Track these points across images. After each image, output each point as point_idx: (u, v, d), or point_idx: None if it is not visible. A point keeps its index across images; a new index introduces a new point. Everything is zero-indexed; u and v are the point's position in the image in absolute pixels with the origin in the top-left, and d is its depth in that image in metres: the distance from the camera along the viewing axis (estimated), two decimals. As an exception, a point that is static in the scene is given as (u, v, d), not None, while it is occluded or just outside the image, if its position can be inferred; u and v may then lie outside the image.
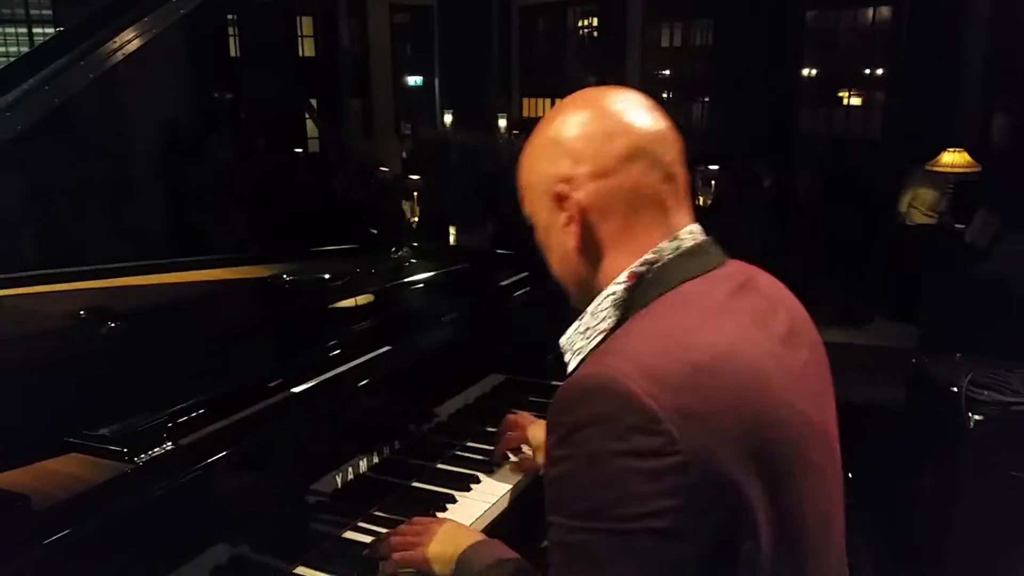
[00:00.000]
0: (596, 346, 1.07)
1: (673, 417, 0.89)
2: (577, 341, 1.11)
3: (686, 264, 1.06)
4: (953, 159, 6.62)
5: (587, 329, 1.09)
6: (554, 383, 2.23)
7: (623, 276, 1.06)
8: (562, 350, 1.13)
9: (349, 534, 1.54)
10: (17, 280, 2.06)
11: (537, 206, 1.14)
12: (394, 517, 1.56)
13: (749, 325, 1.03)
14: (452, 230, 6.44)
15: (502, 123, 12.36)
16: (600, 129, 1.07)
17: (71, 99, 1.61)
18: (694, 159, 8.50)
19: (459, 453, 1.86)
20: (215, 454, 1.31)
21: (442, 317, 2.02)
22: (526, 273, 2.31)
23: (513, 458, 1.81)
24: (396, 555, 1.40)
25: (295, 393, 1.53)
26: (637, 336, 1.00)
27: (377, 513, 1.61)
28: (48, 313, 1.86)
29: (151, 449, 1.25)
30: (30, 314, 1.89)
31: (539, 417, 1.80)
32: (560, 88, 17.31)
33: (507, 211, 6.62)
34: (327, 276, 2.16)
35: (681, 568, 0.92)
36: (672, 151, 1.09)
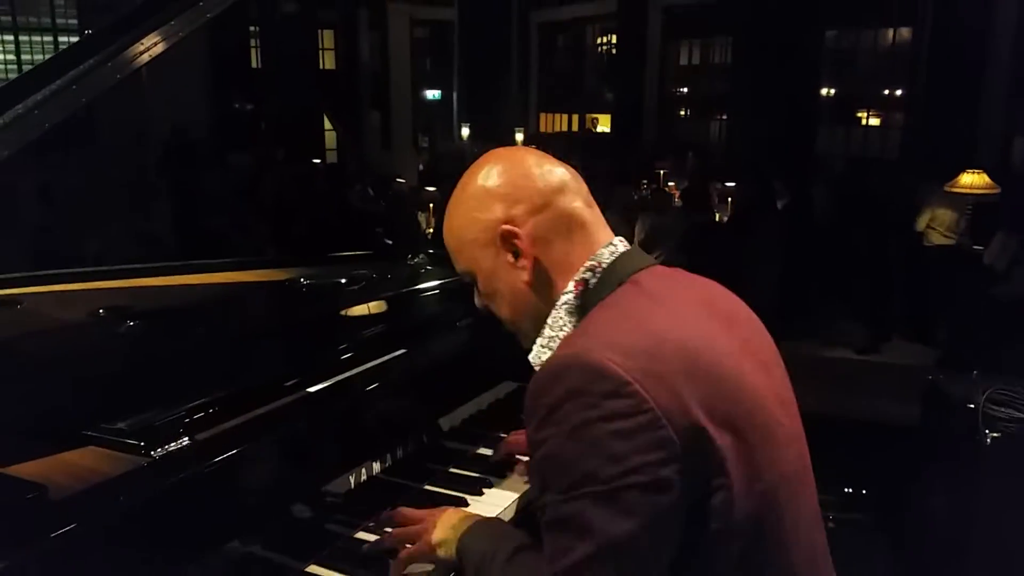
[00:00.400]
0: None
1: (641, 380, 0.98)
2: (543, 354, 1.19)
3: (626, 262, 1.18)
4: (972, 180, 6.59)
5: (549, 339, 1.19)
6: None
7: (570, 286, 1.17)
8: (533, 365, 1.19)
9: (362, 534, 1.54)
10: (38, 278, 2.09)
11: (478, 256, 1.22)
12: (406, 519, 1.57)
13: (695, 308, 1.15)
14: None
15: (519, 137, 12.40)
16: (521, 173, 1.20)
17: (97, 100, 1.64)
18: (712, 176, 8.52)
19: (471, 458, 1.86)
20: (230, 450, 1.32)
21: (457, 323, 2.03)
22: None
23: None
24: (403, 552, 1.39)
25: (311, 393, 1.54)
26: (597, 321, 1.11)
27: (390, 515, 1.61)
28: (69, 311, 1.88)
29: (167, 444, 1.26)
30: (51, 312, 1.92)
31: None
32: (577, 104, 17.41)
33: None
34: (344, 280, 2.18)
35: (668, 518, 0.99)
36: (583, 186, 1.24)
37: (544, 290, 1.19)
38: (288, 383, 1.53)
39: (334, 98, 12.93)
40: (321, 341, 1.79)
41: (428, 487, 1.71)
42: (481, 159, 1.25)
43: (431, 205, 7.42)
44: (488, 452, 1.89)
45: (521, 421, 1.86)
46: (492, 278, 1.22)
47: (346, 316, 1.93)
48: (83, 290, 2.09)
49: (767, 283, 5.84)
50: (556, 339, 1.17)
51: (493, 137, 12.46)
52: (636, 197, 7.92)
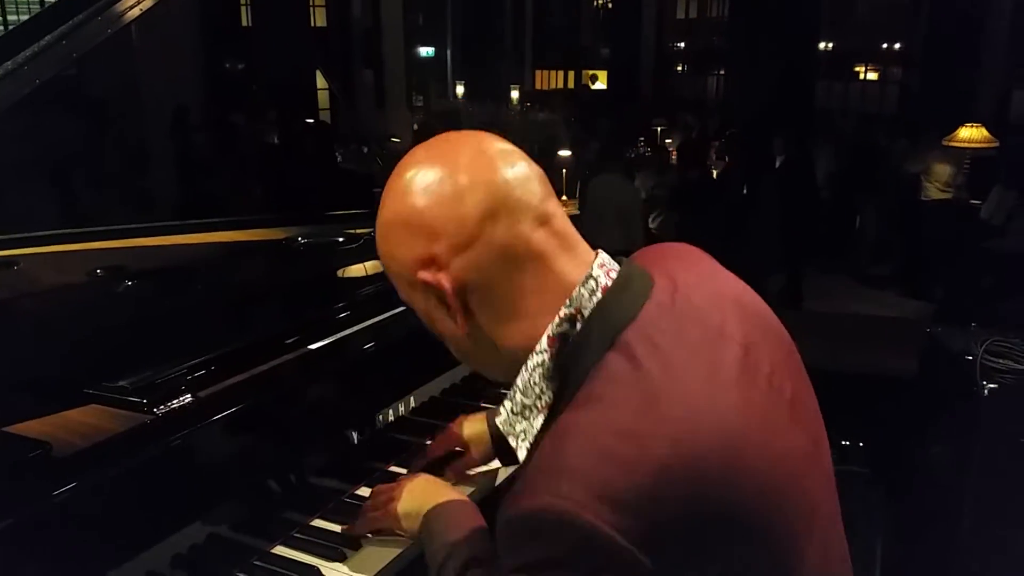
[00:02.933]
0: (543, 426, 0.92)
1: (641, 542, 0.78)
2: (518, 424, 0.95)
3: (613, 310, 0.90)
4: (971, 134, 6.57)
5: (524, 409, 0.94)
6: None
7: (543, 343, 0.91)
8: (504, 434, 0.97)
9: (364, 490, 1.55)
10: (34, 240, 2.08)
11: (409, 295, 0.97)
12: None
13: (715, 374, 0.87)
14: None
15: (514, 94, 12.28)
16: (449, 192, 0.89)
17: (88, 56, 1.61)
18: (710, 132, 8.45)
19: (472, 413, 1.87)
20: (232, 407, 1.32)
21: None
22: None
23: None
24: (368, 515, 1.37)
25: (310, 351, 1.54)
26: (578, 439, 0.83)
27: (392, 469, 1.62)
28: (67, 272, 1.88)
29: (169, 401, 1.27)
30: (49, 273, 1.91)
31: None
32: (574, 60, 17.22)
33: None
34: (341, 239, 2.17)
35: None
36: (537, 190, 0.92)
37: (493, 338, 0.94)
38: (288, 341, 1.53)
39: (326, 56, 12.76)
40: (319, 299, 1.79)
41: (430, 442, 1.71)
42: (413, 153, 0.96)
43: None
44: (490, 407, 1.89)
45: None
46: (429, 320, 0.98)
47: (344, 274, 1.93)
48: (80, 251, 2.08)
49: (765, 239, 5.84)
50: (533, 410, 0.93)
51: (488, 95, 12.34)
52: (632, 156, 7.86)
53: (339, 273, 1.92)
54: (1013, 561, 2.38)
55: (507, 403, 0.95)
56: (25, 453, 1.11)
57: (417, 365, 1.80)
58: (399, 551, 1.36)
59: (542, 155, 7.58)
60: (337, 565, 1.32)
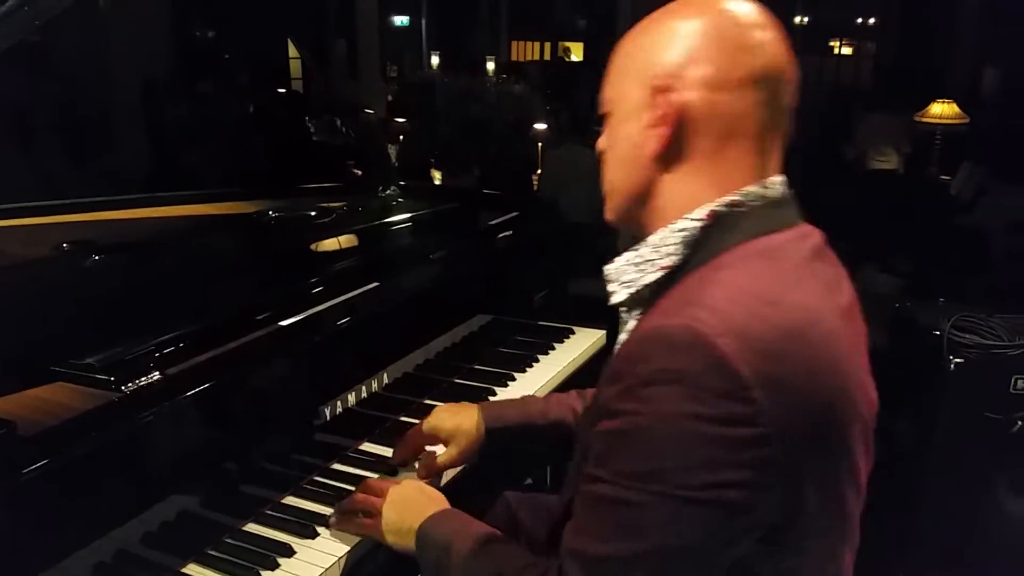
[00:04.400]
0: (653, 284, 0.99)
1: (762, 384, 0.83)
2: (628, 272, 1.01)
3: (769, 216, 0.98)
4: (942, 110, 6.61)
5: (644, 262, 1.00)
6: (541, 323, 2.24)
7: (701, 212, 0.96)
8: (606, 278, 1.04)
9: (338, 466, 1.55)
10: (2, 212, 2.04)
11: (625, 92, 1.01)
12: (382, 450, 1.58)
13: (824, 291, 0.96)
14: (438, 173, 6.39)
15: (490, 65, 12.17)
16: (733, 38, 0.95)
17: (51, 22, 1.56)
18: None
19: (446, 389, 1.87)
20: (201, 384, 1.30)
21: (430, 255, 2.01)
22: (515, 214, 2.30)
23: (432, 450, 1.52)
24: (356, 520, 1.31)
25: (283, 327, 1.52)
26: (723, 288, 0.90)
27: (365, 447, 1.62)
28: (32, 246, 1.84)
29: (138, 378, 1.25)
30: (14, 246, 1.87)
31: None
32: (549, 31, 17.04)
33: (495, 154, 6.54)
34: (313, 213, 2.14)
35: (733, 545, 0.88)
36: (789, 95, 0.99)
37: (663, 178, 0.99)
38: (259, 317, 1.52)
39: (298, 24, 12.54)
40: (292, 274, 1.77)
41: (403, 418, 1.71)
42: None
43: (400, 137, 7.31)
44: (463, 383, 1.90)
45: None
46: (620, 124, 1.02)
47: (317, 249, 1.91)
48: (46, 224, 2.04)
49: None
50: (653, 266, 0.98)
51: (463, 65, 12.21)
52: (597, 128, 7.81)
53: (311, 248, 1.90)
54: (974, 530, 2.44)
55: (629, 253, 1.02)
56: (-11, 431, 1.09)
57: (390, 341, 1.79)
58: (372, 527, 1.36)
59: (517, 126, 7.52)
60: (309, 542, 1.32)
